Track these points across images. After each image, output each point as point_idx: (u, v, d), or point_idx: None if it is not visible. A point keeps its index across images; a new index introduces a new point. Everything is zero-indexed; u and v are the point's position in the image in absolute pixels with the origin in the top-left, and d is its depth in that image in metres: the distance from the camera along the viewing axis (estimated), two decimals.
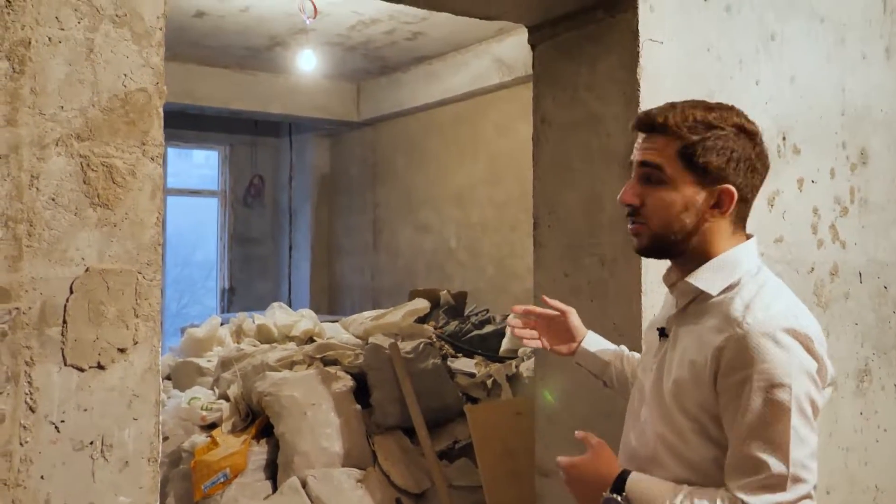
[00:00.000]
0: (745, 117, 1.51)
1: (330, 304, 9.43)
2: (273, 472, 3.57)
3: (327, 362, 4.17)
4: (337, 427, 3.60)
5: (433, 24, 6.17)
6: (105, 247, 1.62)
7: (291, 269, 9.95)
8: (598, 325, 2.42)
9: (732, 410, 1.36)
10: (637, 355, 1.88)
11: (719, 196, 1.46)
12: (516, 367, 4.16)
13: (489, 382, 4.13)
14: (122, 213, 1.64)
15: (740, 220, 1.51)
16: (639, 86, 2.32)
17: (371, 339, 4.18)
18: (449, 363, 4.29)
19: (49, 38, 1.58)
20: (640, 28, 2.33)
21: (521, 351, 4.31)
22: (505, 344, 4.55)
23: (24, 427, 1.53)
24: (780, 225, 2.60)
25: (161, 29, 1.70)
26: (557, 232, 2.63)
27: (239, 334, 5.37)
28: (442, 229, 7.62)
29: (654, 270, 2.30)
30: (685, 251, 1.51)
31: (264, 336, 5.20)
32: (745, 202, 1.50)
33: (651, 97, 2.33)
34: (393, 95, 8.03)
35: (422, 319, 5.12)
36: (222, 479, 3.42)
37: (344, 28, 6.38)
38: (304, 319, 5.29)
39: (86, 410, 1.58)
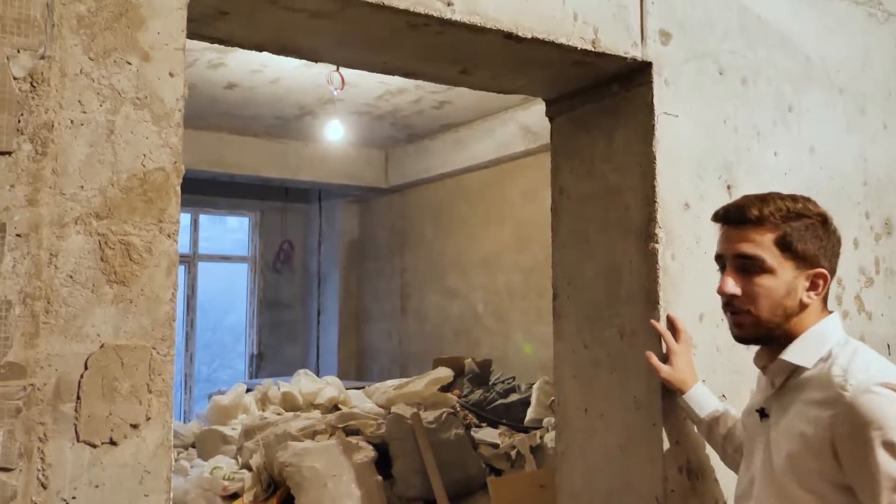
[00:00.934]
0: (820, 206, 1.68)
1: (358, 369, 9.42)
2: None
3: (349, 432, 4.15)
4: (358, 499, 3.58)
5: (459, 94, 6.28)
6: (121, 323, 1.64)
7: (320, 335, 9.99)
8: (618, 399, 2.41)
9: (862, 475, 1.40)
10: (739, 422, 1.98)
11: (814, 279, 1.59)
12: (541, 437, 4.11)
13: (513, 453, 4.08)
14: (138, 290, 1.66)
15: (825, 300, 1.64)
16: (655, 158, 2.33)
17: (393, 409, 4.17)
18: (472, 433, 4.26)
19: (71, 121, 1.63)
20: (654, 102, 2.35)
21: (545, 421, 4.26)
22: (530, 413, 4.50)
23: None
24: None
25: (180, 110, 1.74)
26: (576, 303, 2.62)
27: (264, 402, 5.38)
28: (469, 295, 7.63)
29: None
30: (781, 337, 1.61)
31: (289, 404, 5.20)
32: (828, 283, 1.63)
33: (668, 170, 2.34)
34: (420, 162, 8.14)
35: (446, 387, 5.09)
36: None
37: (371, 98, 6.51)
38: (328, 387, 5.29)
39: (97, 487, 1.59)
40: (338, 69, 5.28)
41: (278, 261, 10.22)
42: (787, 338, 1.60)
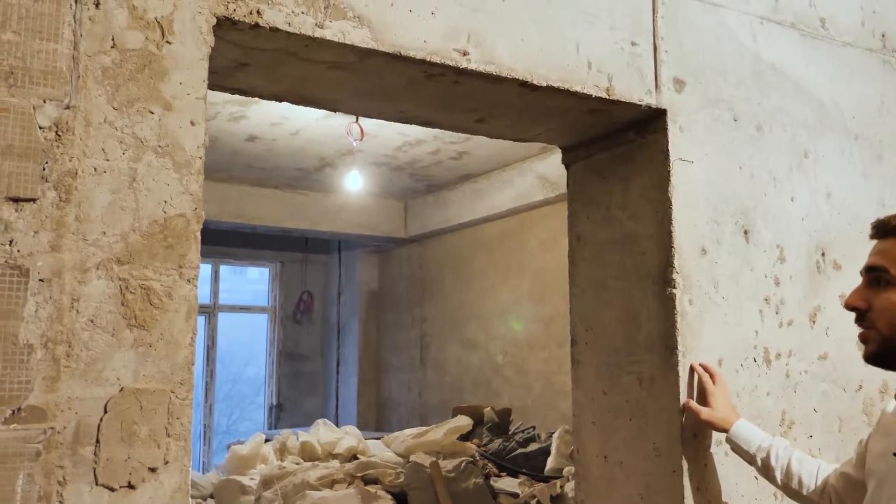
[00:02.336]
0: None
1: (377, 420, 9.38)
2: None
3: (368, 481, 4.13)
4: None
5: (477, 144, 6.35)
6: (140, 367, 1.66)
7: (339, 386, 9.97)
8: (637, 447, 2.38)
9: None
10: (796, 452, 1.95)
11: None
12: (561, 487, 4.06)
13: (533, 503, 4.03)
14: (158, 334, 1.68)
15: None
16: (671, 204, 2.34)
17: (412, 458, 4.14)
18: (492, 482, 4.21)
19: (95, 169, 1.66)
20: (670, 148, 2.37)
21: (566, 470, 4.21)
22: (550, 463, 4.46)
23: None
24: (823, 342, 2.55)
25: (201, 158, 1.77)
26: (595, 349, 2.62)
27: (283, 452, 5.36)
28: (489, 346, 7.61)
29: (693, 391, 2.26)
30: None
31: (308, 453, 5.17)
32: None
33: (684, 215, 2.35)
34: (439, 212, 8.20)
35: (465, 437, 5.05)
36: None
37: (390, 149, 6.59)
38: (347, 436, 5.27)
39: None
40: (357, 121, 5.37)
41: (298, 311, 10.26)
42: None
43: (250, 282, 13.56)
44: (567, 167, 2.82)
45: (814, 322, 2.55)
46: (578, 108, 2.38)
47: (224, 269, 10.07)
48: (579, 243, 2.74)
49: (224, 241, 9.03)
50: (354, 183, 6.67)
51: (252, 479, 4.81)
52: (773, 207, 2.53)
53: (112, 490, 1.60)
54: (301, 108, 2.36)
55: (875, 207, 2.79)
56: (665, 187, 2.37)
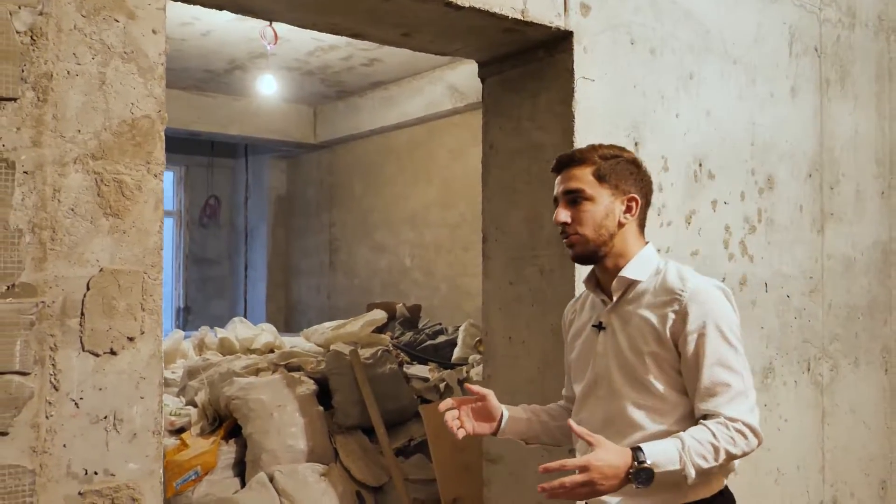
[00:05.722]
0: (632, 153, 1.97)
1: (286, 323, 9.61)
2: (241, 469, 3.81)
3: (291, 369, 4.42)
4: (302, 426, 3.87)
5: (390, 52, 6.47)
6: (116, 250, 1.89)
7: (248, 289, 10.12)
8: (538, 328, 2.76)
9: (696, 352, 1.75)
10: (551, 406, 2.17)
11: (629, 202, 1.88)
12: (467, 372, 4.47)
13: (442, 386, 4.43)
14: (131, 222, 1.91)
15: (642, 226, 1.94)
16: (573, 118, 2.66)
17: (332, 347, 4.46)
18: (405, 369, 4.58)
19: (68, 72, 1.85)
20: (574, 67, 2.67)
21: (470, 358, 4.61)
22: (456, 353, 4.86)
23: (49, 403, 1.79)
24: (695, 240, 2.96)
25: (162, 64, 1.97)
26: (503, 246, 2.95)
27: (201, 348, 5.58)
28: (397, 250, 7.88)
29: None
30: (608, 254, 1.89)
31: (226, 349, 5.42)
32: (642, 208, 1.93)
33: (584, 128, 2.67)
34: (350, 119, 8.30)
35: (379, 330, 5.40)
36: (193, 477, 3.66)
37: (302, 53, 6.64)
38: (264, 333, 5.54)
39: (100, 390, 1.85)
40: (271, 24, 5.39)
41: (204, 216, 10.27)
42: (613, 260, 1.88)
43: None
44: (483, 81, 3.09)
45: (689, 223, 2.95)
46: (495, 28, 2.64)
47: None
48: (492, 151, 3.04)
49: None
50: (269, 87, 6.73)
51: (173, 372, 5.04)
52: (660, 123, 2.89)
53: (97, 356, 1.86)
54: (239, 14, 2.52)
55: (746, 126, 3.19)
56: (569, 102, 2.68)
